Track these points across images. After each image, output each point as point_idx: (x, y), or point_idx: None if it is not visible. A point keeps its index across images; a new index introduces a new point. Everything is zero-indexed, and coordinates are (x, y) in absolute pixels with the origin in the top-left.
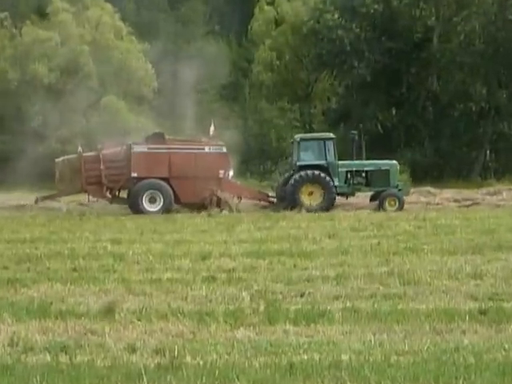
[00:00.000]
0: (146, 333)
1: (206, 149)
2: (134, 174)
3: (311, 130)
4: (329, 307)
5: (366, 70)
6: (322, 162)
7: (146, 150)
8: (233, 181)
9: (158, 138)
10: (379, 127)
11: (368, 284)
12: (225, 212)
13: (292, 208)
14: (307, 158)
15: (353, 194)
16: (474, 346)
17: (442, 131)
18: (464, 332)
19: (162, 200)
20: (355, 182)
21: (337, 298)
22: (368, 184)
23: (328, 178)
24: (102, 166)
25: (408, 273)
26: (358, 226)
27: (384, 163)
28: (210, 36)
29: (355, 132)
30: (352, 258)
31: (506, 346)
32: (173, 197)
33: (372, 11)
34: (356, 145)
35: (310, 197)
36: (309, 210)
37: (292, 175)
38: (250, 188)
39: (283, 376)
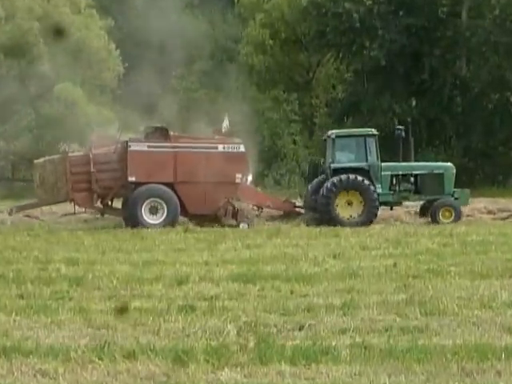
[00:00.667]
0: (108, 375)
1: (220, 147)
2: (132, 179)
3: (312, 125)
4: (334, 343)
5: (379, 51)
6: (363, 165)
7: (145, 148)
8: (252, 187)
9: (161, 133)
10: (396, 122)
11: (382, 314)
12: (243, 226)
13: (327, 221)
14: (344, 159)
15: (399, 204)
16: None
17: (472, 127)
18: (499, 373)
19: (165, 210)
20: (402, 188)
21: (344, 331)
22: (418, 191)
23: (369, 184)
24: (92, 169)
25: (431, 301)
26: (369, 244)
27: (437, 166)
28: (188, 10)
29: (401, 127)
30: (362, 283)
31: None
32: (179, 206)
33: None
34: (403, 143)
35: (348, 207)
36: (345, 225)
37: (325, 180)
38: (273, 196)
39: None
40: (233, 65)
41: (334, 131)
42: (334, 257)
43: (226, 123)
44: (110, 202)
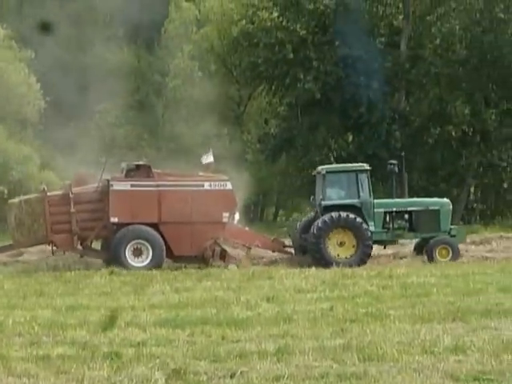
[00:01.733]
0: None
1: (206, 185)
2: (114, 220)
3: (244, 162)
4: None
5: (314, 83)
6: (355, 202)
7: (128, 187)
8: (240, 226)
9: (143, 171)
10: (332, 158)
11: (318, 361)
12: (231, 266)
13: (318, 262)
14: (335, 195)
15: (394, 242)
16: None
17: (412, 163)
18: None
19: (150, 252)
20: (396, 226)
21: (278, 378)
22: (412, 229)
23: (362, 223)
24: (72, 209)
25: (370, 346)
26: (304, 286)
27: (433, 202)
28: (112, 42)
29: (395, 162)
30: (297, 328)
31: None
32: (164, 248)
33: (322, 8)
34: (394, 177)
35: (340, 247)
36: (338, 265)
37: (315, 218)
38: (261, 235)
39: None
40: (160, 99)
41: (324, 167)
42: (268, 300)
43: (206, 157)
44: (89, 244)
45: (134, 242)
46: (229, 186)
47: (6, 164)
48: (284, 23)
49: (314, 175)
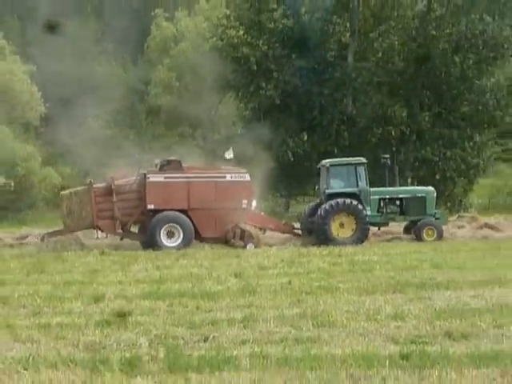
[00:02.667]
0: (33, 383)
1: (228, 177)
2: (151, 206)
3: (216, 159)
4: (235, 353)
5: (274, 91)
6: (354, 190)
7: (162, 179)
8: (256, 211)
9: (175, 165)
10: (290, 155)
11: (278, 327)
12: (249, 246)
13: (323, 241)
14: (337, 185)
15: (386, 224)
16: None
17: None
18: (384, 379)
19: (181, 234)
20: (389, 210)
21: (244, 342)
22: (403, 213)
23: (361, 207)
24: (114, 199)
25: (322, 314)
26: (266, 264)
27: (420, 190)
28: (103, 56)
29: (387, 156)
30: (260, 299)
31: None
32: (193, 230)
33: (281, 27)
34: (387, 169)
35: (342, 228)
36: (340, 244)
37: (320, 204)
38: (275, 219)
39: None
40: (142, 105)
41: (327, 161)
42: (235, 276)
43: (228, 153)
44: (129, 228)
45: (167, 226)
46: (247, 177)
47: (12, 161)
48: (248, 40)
49: (319, 168)
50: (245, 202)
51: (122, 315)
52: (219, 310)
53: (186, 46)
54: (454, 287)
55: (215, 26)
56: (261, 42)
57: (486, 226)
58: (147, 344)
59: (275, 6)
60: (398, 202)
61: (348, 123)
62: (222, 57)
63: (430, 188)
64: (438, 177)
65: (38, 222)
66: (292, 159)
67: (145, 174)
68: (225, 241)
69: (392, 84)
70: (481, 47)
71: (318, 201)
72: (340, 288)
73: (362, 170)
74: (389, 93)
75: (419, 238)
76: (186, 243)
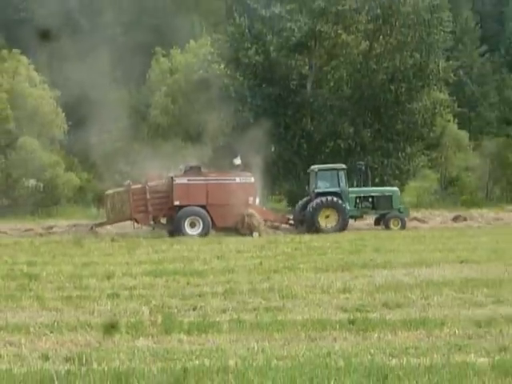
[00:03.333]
0: (57, 343)
1: (237, 179)
2: (177, 203)
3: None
4: (217, 319)
5: (249, 112)
6: (337, 189)
7: (186, 181)
8: (259, 206)
9: (196, 170)
10: (261, 162)
11: (252, 298)
12: (255, 234)
13: (312, 230)
14: (323, 185)
15: (361, 217)
16: (344, 351)
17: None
18: (335, 339)
19: (201, 225)
20: (363, 206)
21: (224, 310)
22: (374, 208)
23: (342, 203)
24: (148, 197)
25: (286, 288)
26: (242, 249)
27: (387, 189)
28: (113, 83)
29: (362, 163)
30: (237, 276)
31: (372, 351)
32: (210, 222)
33: (254, 62)
34: (362, 173)
35: (327, 220)
36: (325, 232)
37: (309, 201)
38: (274, 212)
39: (177, 379)
40: (144, 123)
41: (316, 166)
42: (218, 258)
43: (238, 161)
44: (159, 220)
45: (190, 218)
46: (252, 179)
47: (41, 167)
48: (228, 72)
49: (309, 172)
50: (250, 198)
51: (128, 289)
52: (205, 285)
53: (179, 76)
54: (389, 267)
55: (202, 61)
56: (238, 73)
57: (415, 218)
58: (148, 312)
59: (249, 45)
60: (370, 199)
61: (307, 137)
62: (208, 86)
63: (396, 188)
64: (377, 180)
65: (62, 215)
66: (263, 166)
67: (172, 177)
68: (235, 229)
69: (341, 107)
70: (411, 78)
71: (307, 198)
72: (300, 267)
73: (342, 174)
74: (339, 114)
75: (387, 228)
76: (205, 232)
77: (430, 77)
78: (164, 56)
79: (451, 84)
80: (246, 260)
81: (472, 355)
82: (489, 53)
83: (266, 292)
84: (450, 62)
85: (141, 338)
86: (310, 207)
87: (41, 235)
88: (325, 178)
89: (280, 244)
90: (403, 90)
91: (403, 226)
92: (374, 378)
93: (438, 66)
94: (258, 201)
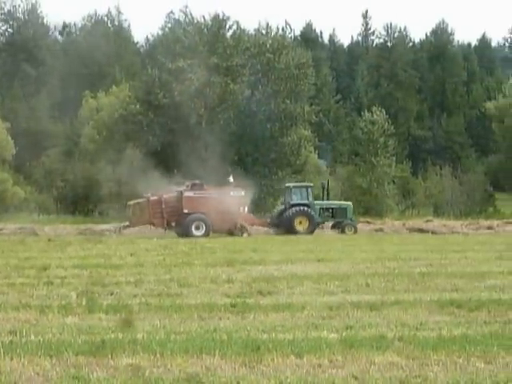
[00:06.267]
0: (3, 319)
1: (231, 193)
2: (186, 211)
3: (120, 183)
4: (130, 302)
5: (157, 143)
6: (306, 202)
7: (192, 194)
8: (248, 214)
9: (199, 186)
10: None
11: (156, 286)
12: (245, 235)
13: (289, 233)
14: (296, 198)
15: (323, 223)
16: (227, 328)
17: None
18: (220, 319)
19: (204, 227)
20: (325, 215)
21: (135, 296)
22: (333, 216)
23: (311, 212)
24: (163, 206)
25: (183, 279)
26: (150, 248)
27: (343, 203)
28: (52, 119)
29: (325, 182)
30: (146, 269)
31: (248, 328)
32: (211, 225)
33: (162, 103)
34: (325, 190)
35: (300, 225)
36: (299, 234)
37: (285, 210)
38: (259, 219)
39: (97, 349)
40: (76, 149)
41: (291, 184)
42: (131, 255)
43: (231, 179)
44: (171, 224)
45: (196, 222)
46: (242, 193)
47: None
48: (141, 111)
49: (285, 188)
50: (241, 208)
51: (60, 278)
52: (120, 276)
53: (104, 114)
54: (263, 263)
55: (122, 102)
56: (149, 112)
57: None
58: (75, 296)
59: (159, 90)
60: (330, 210)
61: (201, 163)
62: (126, 121)
63: (349, 202)
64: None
65: (9, 220)
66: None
67: (181, 191)
68: (229, 232)
69: (229, 141)
70: (283, 118)
71: (282, 207)
72: (195, 263)
73: (310, 190)
74: (227, 145)
75: (343, 232)
76: (207, 233)
77: (297, 118)
78: (92, 97)
79: (313, 124)
80: (153, 257)
81: (325, 332)
82: (342, 100)
83: (167, 282)
84: (313, 106)
85: (69, 317)
86: (286, 215)
87: (81, 234)
88: (297, 193)
89: (180, 245)
90: (276, 127)
91: (355, 231)
92: (250, 349)
93: (303, 109)
94: (246, 209)
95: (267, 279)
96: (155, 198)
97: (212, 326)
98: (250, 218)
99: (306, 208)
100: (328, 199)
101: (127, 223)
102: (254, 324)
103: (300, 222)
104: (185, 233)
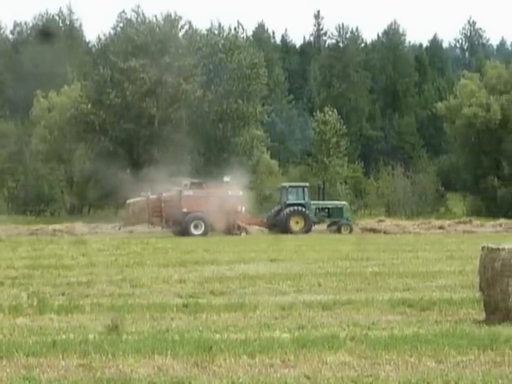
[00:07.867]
0: None
1: (229, 192)
2: (185, 210)
3: (71, 185)
4: (81, 302)
5: (109, 143)
6: (302, 202)
7: (191, 193)
8: (245, 213)
9: (199, 185)
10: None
11: (108, 287)
12: (243, 234)
13: (285, 232)
14: (292, 198)
15: (319, 223)
16: (179, 328)
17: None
18: (172, 319)
19: (203, 227)
20: (321, 214)
21: (87, 296)
22: (329, 216)
23: (307, 212)
24: (162, 205)
25: (135, 279)
26: (102, 248)
27: (339, 203)
28: (3, 118)
29: (320, 182)
30: (98, 269)
31: (200, 328)
32: (209, 224)
33: (114, 103)
34: (320, 190)
35: (296, 224)
36: (296, 233)
37: (281, 209)
38: (256, 218)
39: (48, 350)
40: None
41: (288, 183)
42: (83, 255)
43: (228, 179)
44: (170, 223)
45: (194, 221)
46: (240, 192)
47: None
48: (94, 111)
49: (281, 187)
50: (239, 207)
51: (11, 279)
52: (72, 277)
53: (55, 113)
54: (216, 263)
55: (73, 102)
56: (101, 112)
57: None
58: (26, 297)
59: (110, 90)
60: (326, 210)
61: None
62: (78, 121)
63: (345, 202)
64: None
65: None
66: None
67: (180, 190)
68: (228, 231)
69: (182, 139)
70: (235, 118)
71: (279, 207)
72: (147, 263)
73: (306, 190)
74: (179, 144)
75: (339, 232)
76: (206, 233)
77: (249, 118)
78: (43, 97)
79: (265, 124)
80: (105, 257)
81: (277, 331)
82: (294, 101)
83: (119, 282)
84: (265, 107)
85: (20, 317)
86: (284, 214)
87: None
88: (293, 193)
89: (132, 245)
90: (229, 127)
91: (351, 231)
92: (202, 349)
93: (256, 109)
94: (244, 209)
95: (219, 279)
96: (154, 196)
97: (164, 326)
98: (247, 217)
99: (301, 208)
100: (324, 199)
101: (123, 222)
102: (206, 324)
103: (296, 222)
104: (183, 232)
